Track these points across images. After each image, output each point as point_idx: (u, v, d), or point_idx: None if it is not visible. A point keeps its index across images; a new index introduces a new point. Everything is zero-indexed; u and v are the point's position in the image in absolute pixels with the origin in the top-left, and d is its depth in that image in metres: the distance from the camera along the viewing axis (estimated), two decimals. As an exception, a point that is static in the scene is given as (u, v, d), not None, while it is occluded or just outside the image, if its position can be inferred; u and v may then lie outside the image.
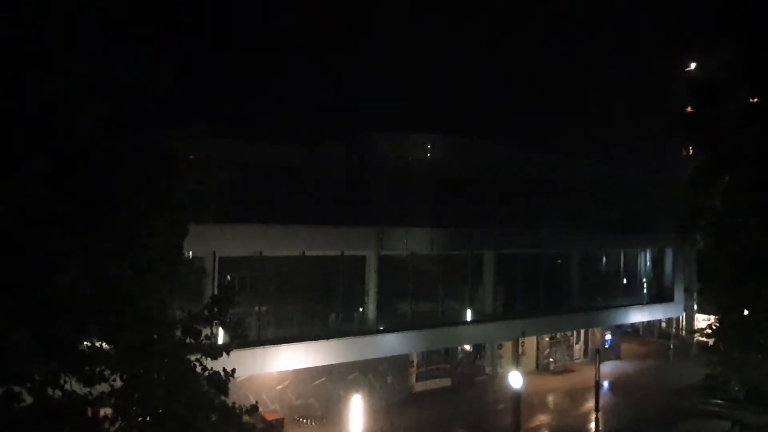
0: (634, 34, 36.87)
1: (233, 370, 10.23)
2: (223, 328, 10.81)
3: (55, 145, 8.70)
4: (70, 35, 8.89)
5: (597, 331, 35.07)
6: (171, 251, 10.13)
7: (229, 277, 21.30)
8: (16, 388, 8.73)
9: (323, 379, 23.81)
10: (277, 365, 21.49)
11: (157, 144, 9.88)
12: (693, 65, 35.92)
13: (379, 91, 27.75)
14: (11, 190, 8.23)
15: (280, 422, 21.77)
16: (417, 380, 27.83)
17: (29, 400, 9.00)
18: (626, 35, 37.09)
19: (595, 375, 23.46)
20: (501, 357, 30.75)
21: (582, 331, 34.72)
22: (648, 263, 37.64)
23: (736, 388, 25.83)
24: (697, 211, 24.60)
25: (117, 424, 9.80)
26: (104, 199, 9.07)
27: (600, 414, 23.46)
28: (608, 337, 35.78)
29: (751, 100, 22.37)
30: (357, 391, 23.59)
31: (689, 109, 23.39)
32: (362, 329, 24.31)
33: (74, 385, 9.40)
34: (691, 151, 28.62)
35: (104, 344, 9.79)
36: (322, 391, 23.84)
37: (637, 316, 36.72)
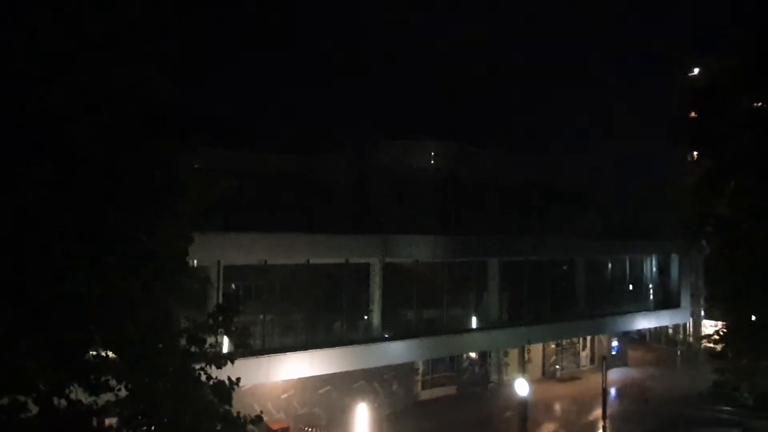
0: (638, 40, 36.93)
1: (238, 379, 10.21)
2: (228, 336, 10.81)
3: (57, 151, 8.72)
4: (73, 40, 8.91)
5: (603, 337, 34.87)
6: (175, 260, 10.15)
7: (233, 285, 21.32)
8: (22, 398, 8.74)
9: (328, 387, 23.75)
10: (282, 374, 21.46)
11: (161, 153, 9.92)
12: (696, 70, 35.88)
13: (383, 98, 27.86)
14: (12, 197, 8.24)
15: (285, 431, 21.71)
16: (422, 388, 27.71)
17: (35, 409, 9.00)
18: (630, 41, 37.14)
19: (602, 382, 23.31)
20: (507, 364, 30.59)
21: (588, 338, 34.53)
22: (654, 269, 37.46)
23: (745, 395, 25.60)
24: (702, 217, 24.51)
25: (122, 434, 9.79)
26: (108, 208, 9.10)
27: (608, 422, 23.28)
28: (615, 343, 35.57)
29: (755, 104, 22.34)
30: (362, 399, 23.48)
31: (693, 114, 23.37)
32: (367, 337, 24.26)
33: (80, 395, 9.40)
34: (695, 157, 28.54)
35: (110, 353, 9.80)
36: (327, 400, 23.77)
37: (644, 322, 36.50)
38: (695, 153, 28.41)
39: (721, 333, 26.93)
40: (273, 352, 21.07)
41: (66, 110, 8.64)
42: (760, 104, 22.22)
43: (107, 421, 10.02)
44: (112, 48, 9.29)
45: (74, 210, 8.67)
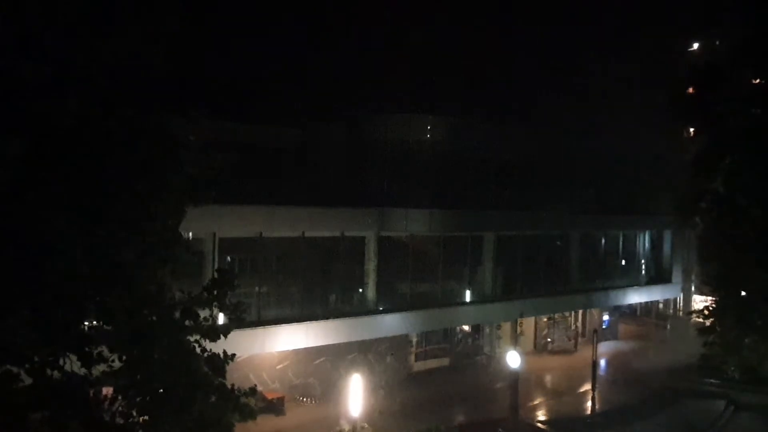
0: (637, 13, 36.40)
1: (233, 355, 10.32)
2: (222, 311, 10.88)
3: (40, 126, 8.55)
4: (51, 13, 8.67)
5: (595, 311, 35.27)
6: (169, 234, 10.14)
7: (229, 258, 21.37)
8: (15, 369, 8.79)
9: (323, 358, 24.03)
10: (278, 345, 21.68)
11: (155, 126, 9.81)
12: (696, 45, 35.56)
13: (379, 71, 27.50)
14: None
15: (280, 401, 22.04)
16: (416, 360, 28.06)
17: (28, 380, 9.06)
18: (629, 15, 36.63)
19: (593, 355, 23.71)
20: (499, 337, 30.98)
21: (580, 312, 34.92)
22: (647, 245, 37.70)
23: (732, 369, 26.10)
24: (697, 194, 24.58)
25: (117, 405, 9.91)
26: (101, 182, 9.03)
27: (597, 393, 23.74)
28: (606, 317, 36.00)
29: (755, 81, 22.22)
30: (356, 370, 23.74)
31: (691, 90, 23.26)
32: (362, 310, 24.46)
33: (74, 366, 9.48)
34: (692, 133, 28.50)
35: (104, 325, 9.84)
36: (322, 371, 24.07)
37: (635, 297, 36.89)
38: (692, 129, 28.35)
39: (711, 308, 27.34)
40: (268, 324, 21.24)
41: (49, 86, 8.44)
42: (759, 81, 22.13)
43: (104, 391, 10.14)
44: (94, 20, 9.05)
45: (68, 186, 8.58)
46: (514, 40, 32.41)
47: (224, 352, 10.23)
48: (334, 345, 23.42)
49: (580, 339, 34.14)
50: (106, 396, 9.94)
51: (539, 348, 32.65)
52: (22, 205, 8.33)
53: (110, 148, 9.06)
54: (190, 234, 17.69)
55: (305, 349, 22.84)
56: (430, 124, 25.68)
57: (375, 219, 24.37)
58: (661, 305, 42.11)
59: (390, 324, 24.79)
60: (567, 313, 34.16)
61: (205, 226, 19.12)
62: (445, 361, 28.88)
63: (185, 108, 10.58)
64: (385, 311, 24.75)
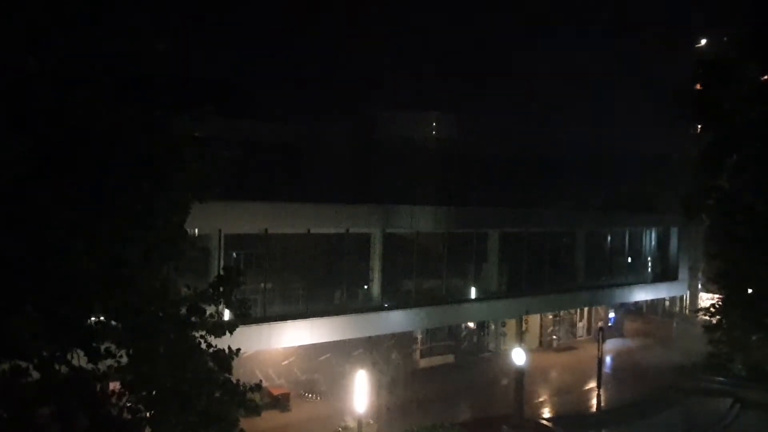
0: (645, 10, 36.23)
1: (238, 350, 10.36)
2: (228, 307, 10.92)
3: (45, 123, 8.59)
4: (56, 9, 8.69)
5: (601, 309, 35.20)
6: (173, 230, 10.18)
7: (234, 254, 21.45)
8: (23, 363, 8.87)
9: (328, 355, 24.11)
10: (283, 341, 21.76)
11: (159, 123, 9.85)
12: (703, 41, 35.37)
13: (384, 69, 27.51)
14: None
15: (286, 396, 22.14)
16: (421, 356, 28.11)
17: (36, 375, 9.15)
18: (637, 11, 36.46)
19: (598, 352, 23.63)
20: (504, 334, 30.97)
21: (585, 309, 34.86)
22: (653, 242, 37.59)
23: (739, 366, 25.99)
24: (703, 191, 24.47)
25: (124, 400, 9.97)
26: (106, 179, 9.07)
27: (602, 391, 23.69)
28: (612, 315, 35.92)
29: (762, 78, 22.03)
30: (361, 367, 23.80)
31: (698, 86, 23.08)
32: (367, 306, 24.51)
33: (81, 361, 9.55)
34: (698, 130, 28.31)
35: (110, 321, 9.91)
36: (327, 367, 24.15)
37: (641, 294, 36.80)
38: (699, 126, 28.17)
39: (717, 305, 27.21)
40: (274, 320, 21.31)
41: (45, 81, 8.46)
42: (766, 77, 21.91)
43: (111, 386, 10.22)
44: (96, 20, 9.08)
45: (73, 183, 8.62)
46: (521, 38, 32.34)
47: (229, 347, 10.27)
48: (339, 341, 23.47)
49: (585, 336, 34.12)
50: (113, 391, 10.01)
51: (545, 345, 32.61)
52: (27, 202, 8.38)
53: (114, 145, 9.10)
54: (196, 230, 17.78)
55: (311, 345, 22.91)
56: (435, 121, 25.71)
57: (380, 216, 24.41)
58: (667, 303, 41.97)
59: (395, 321, 24.83)
60: (572, 311, 34.13)
61: (210, 223, 19.20)
62: (450, 358, 28.92)
63: (191, 105, 10.61)
64: (390, 308, 24.79)
